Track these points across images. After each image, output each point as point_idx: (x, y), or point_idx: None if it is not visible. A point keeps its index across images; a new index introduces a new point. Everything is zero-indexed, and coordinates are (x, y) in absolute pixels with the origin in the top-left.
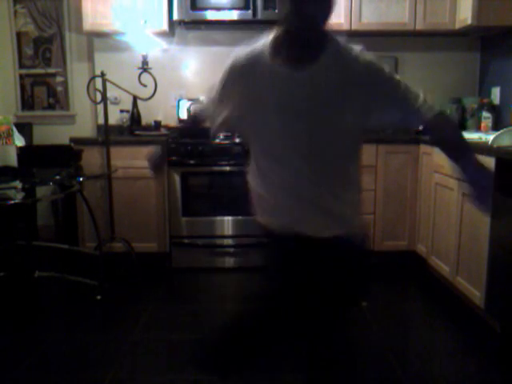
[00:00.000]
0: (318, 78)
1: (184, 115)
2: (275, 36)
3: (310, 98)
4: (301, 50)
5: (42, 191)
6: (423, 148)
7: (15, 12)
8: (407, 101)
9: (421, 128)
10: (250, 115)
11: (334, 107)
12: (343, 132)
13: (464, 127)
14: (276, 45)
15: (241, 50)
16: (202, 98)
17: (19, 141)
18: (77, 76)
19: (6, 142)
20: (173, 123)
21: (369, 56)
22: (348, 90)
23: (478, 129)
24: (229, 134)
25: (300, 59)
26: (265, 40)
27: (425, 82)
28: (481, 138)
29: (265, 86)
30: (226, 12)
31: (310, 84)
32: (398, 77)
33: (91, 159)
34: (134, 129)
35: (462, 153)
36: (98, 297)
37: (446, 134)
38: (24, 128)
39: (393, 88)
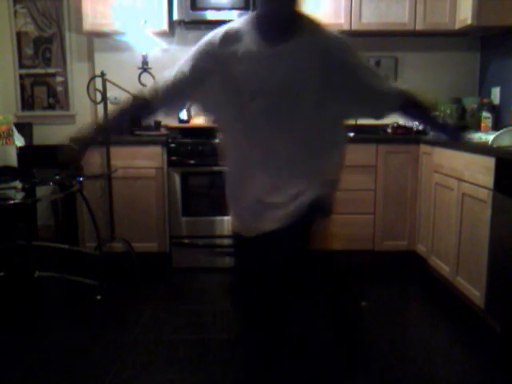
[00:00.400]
0: (291, 56)
1: (184, 115)
2: (251, 17)
3: (283, 77)
4: (272, 31)
5: (42, 191)
6: (423, 148)
7: (15, 12)
8: (379, 85)
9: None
10: (225, 98)
11: (307, 84)
12: (316, 113)
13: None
14: (251, 26)
15: (218, 30)
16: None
17: (19, 141)
18: (77, 76)
19: (6, 142)
20: (173, 123)
21: (344, 37)
22: (325, 68)
23: (478, 129)
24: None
25: (273, 39)
26: (242, 21)
27: (425, 82)
28: (481, 138)
29: (240, 66)
30: (226, 12)
31: (282, 62)
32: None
33: (91, 159)
34: (134, 129)
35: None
36: (98, 297)
37: (417, 111)
38: (24, 128)
39: (367, 70)
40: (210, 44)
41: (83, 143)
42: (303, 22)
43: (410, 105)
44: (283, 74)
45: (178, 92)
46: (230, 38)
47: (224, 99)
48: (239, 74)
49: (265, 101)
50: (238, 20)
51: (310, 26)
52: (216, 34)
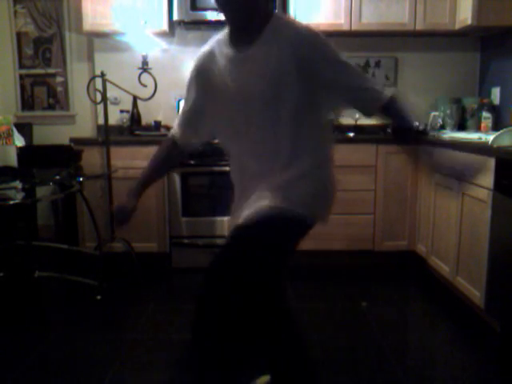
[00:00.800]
0: (259, 57)
1: None
2: (224, 33)
3: (252, 77)
4: (239, 34)
5: (42, 191)
6: (423, 148)
7: (15, 12)
8: (355, 83)
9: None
10: (212, 107)
11: (277, 84)
12: (289, 114)
13: (464, 127)
14: (226, 35)
15: (201, 50)
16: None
17: (19, 141)
18: (77, 76)
19: (6, 142)
20: (173, 123)
21: (313, 30)
22: (293, 64)
23: (477, 129)
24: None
25: (240, 42)
26: (220, 34)
27: (425, 82)
28: (481, 138)
29: (219, 73)
30: None
31: (251, 63)
32: (343, 57)
33: (91, 159)
34: (134, 129)
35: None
36: (98, 297)
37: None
38: (24, 128)
39: (339, 65)
40: (194, 70)
41: (133, 202)
42: (269, 21)
43: (389, 112)
44: (247, 78)
45: (195, 130)
46: (206, 56)
47: (215, 113)
48: (217, 86)
49: (238, 108)
50: (213, 38)
51: (276, 23)
52: (198, 56)
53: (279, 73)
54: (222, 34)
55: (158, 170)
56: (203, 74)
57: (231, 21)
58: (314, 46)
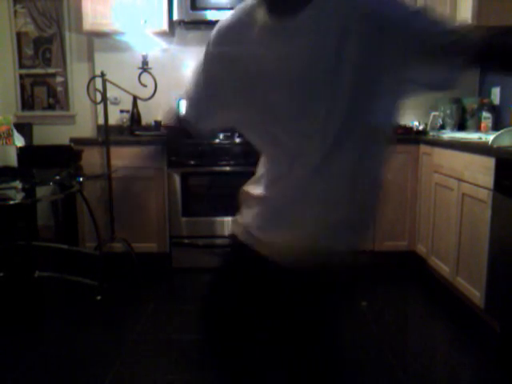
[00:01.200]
0: (313, 30)
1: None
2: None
3: (309, 59)
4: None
5: (42, 191)
6: (423, 148)
7: (15, 12)
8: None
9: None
10: (247, 96)
11: (327, 73)
12: (363, 110)
13: (464, 127)
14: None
15: (223, 20)
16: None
17: (19, 141)
18: (77, 76)
19: (6, 142)
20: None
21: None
22: (362, 43)
23: (477, 129)
24: (228, 132)
25: (285, 9)
26: (239, 11)
27: None
28: (481, 138)
29: (251, 51)
30: (226, 12)
31: (298, 36)
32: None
33: (91, 159)
34: (134, 129)
35: None
36: (98, 297)
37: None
38: (24, 128)
39: (426, 28)
40: (209, 46)
41: None
42: None
43: (496, 52)
44: (300, 55)
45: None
46: (239, 23)
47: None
48: (249, 67)
49: (281, 95)
50: (233, 12)
51: None
52: (213, 32)
53: (333, 52)
54: (249, 5)
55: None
56: (226, 56)
57: None
58: (400, 7)
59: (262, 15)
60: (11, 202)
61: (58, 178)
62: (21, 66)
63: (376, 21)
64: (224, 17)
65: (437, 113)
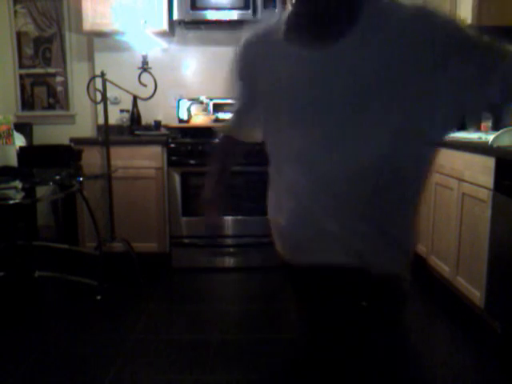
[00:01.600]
0: (347, 58)
1: (184, 115)
2: (288, 15)
3: (337, 87)
4: (319, 26)
5: (42, 191)
6: None
7: (15, 12)
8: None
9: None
10: (270, 112)
11: (377, 99)
12: (401, 136)
13: (464, 127)
14: (290, 25)
15: (252, 32)
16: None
17: (20, 141)
18: (77, 76)
19: (6, 142)
20: (173, 123)
21: (435, 12)
22: (404, 74)
23: (477, 129)
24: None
25: (319, 36)
26: (278, 18)
27: None
28: (481, 138)
29: (282, 74)
30: (226, 12)
31: (334, 68)
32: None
33: (91, 159)
34: (134, 129)
35: None
36: (98, 297)
37: None
38: (24, 128)
39: (483, 55)
40: (241, 65)
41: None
42: (365, 3)
43: None
44: (335, 82)
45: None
46: (266, 41)
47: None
48: (283, 85)
49: (312, 120)
50: (272, 18)
51: (375, 8)
52: (250, 39)
53: (398, 80)
54: (272, 30)
55: (228, 168)
56: (260, 61)
57: (308, 5)
58: (454, 34)
59: (289, 45)
60: (11, 202)
61: (57, 177)
62: (21, 65)
63: (456, 44)
64: (224, 17)
65: None
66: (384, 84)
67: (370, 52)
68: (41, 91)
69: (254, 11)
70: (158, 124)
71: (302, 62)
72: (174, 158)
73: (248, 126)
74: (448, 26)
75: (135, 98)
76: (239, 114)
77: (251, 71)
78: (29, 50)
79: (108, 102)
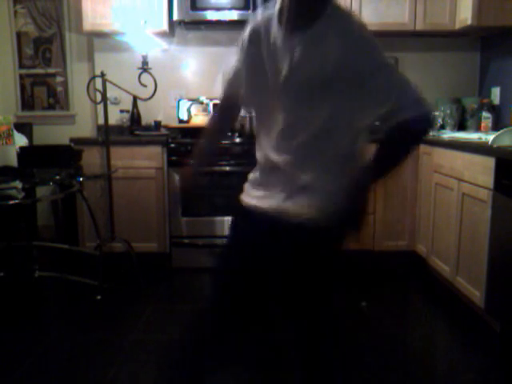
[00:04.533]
0: (306, 47)
1: (184, 115)
2: (281, 2)
3: (294, 67)
4: (293, 16)
5: (42, 191)
6: (423, 148)
7: (15, 12)
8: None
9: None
10: (250, 83)
11: (317, 83)
12: (328, 117)
13: (464, 127)
14: (275, 13)
15: (258, 13)
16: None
17: (21, 141)
18: (77, 76)
19: (6, 142)
20: (173, 123)
21: (366, 33)
22: (338, 69)
23: (477, 129)
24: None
25: (294, 26)
26: (264, 11)
27: (425, 82)
28: (481, 138)
29: (265, 52)
30: (226, 12)
31: (297, 51)
32: (387, 61)
33: (91, 159)
34: (134, 129)
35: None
36: (98, 297)
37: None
38: (24, 128)
39: (383, 77)
40: (241, 42)
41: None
42: (331, 8)
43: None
44: (294, 63)
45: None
46: (264, 23)
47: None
48: (260, 65)
49: (276, 93)
50: (261, 13)
51: (336, 14)
52: (255, 20)
53: (323, 71)
54: (268, 12)
55: (220, 132)
56: (254, 45)
57: (295, 2)
58: (363, 53)
59: (276, 27)
60: (11, 202)
61: (57, 177)
62: (21, 66)
63: (352, 62)
64: (224, 17)
65: (437, 113)
66: (319, 73)
67: (326, 43)
68: (41, 91)
69: (254, 11)
70: (157, 124)
71: (279, 42)
72: (173, 158)
73: (239, 88)
74: (363, 49)
75: (135, 98)
76: (233, 76)
77: (251, 45)
78: (29, 50)
79: (108, 102)
